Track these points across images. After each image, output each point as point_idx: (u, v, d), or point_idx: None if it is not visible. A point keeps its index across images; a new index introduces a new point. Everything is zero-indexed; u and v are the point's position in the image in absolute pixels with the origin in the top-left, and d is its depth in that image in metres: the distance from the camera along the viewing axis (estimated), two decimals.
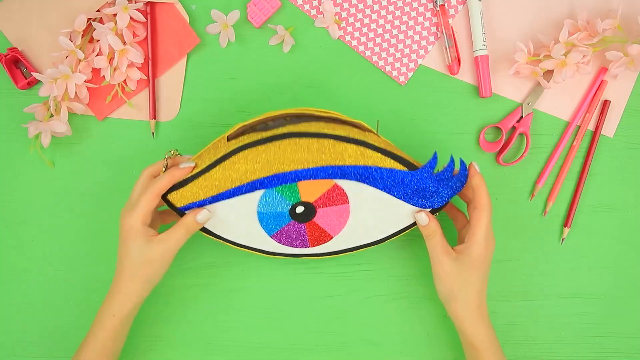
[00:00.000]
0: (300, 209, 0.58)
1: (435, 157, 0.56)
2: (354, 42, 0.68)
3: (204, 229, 0.60)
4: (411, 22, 0.68)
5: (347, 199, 0.58)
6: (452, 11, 0.68)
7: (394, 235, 0.61)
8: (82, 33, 0.65)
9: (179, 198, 0.57)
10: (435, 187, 0.57)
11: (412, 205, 0.58)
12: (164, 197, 0.57)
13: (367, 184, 0.57)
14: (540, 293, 0.68)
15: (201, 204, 0.57)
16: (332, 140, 0.55)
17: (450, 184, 0.57)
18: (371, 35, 0.68)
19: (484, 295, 0.59)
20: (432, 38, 0.68)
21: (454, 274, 0.58)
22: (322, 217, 0.59)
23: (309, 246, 0.61)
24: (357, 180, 0.56)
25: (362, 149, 0.55)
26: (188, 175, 0.57)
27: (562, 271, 0.68)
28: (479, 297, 0.59)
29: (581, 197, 0.68)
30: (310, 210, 0.59)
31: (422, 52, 0.68)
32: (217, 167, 0.56)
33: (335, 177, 0.56)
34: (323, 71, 0.68)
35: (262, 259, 0.67)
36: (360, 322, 0.67)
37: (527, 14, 0.68)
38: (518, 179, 0.68)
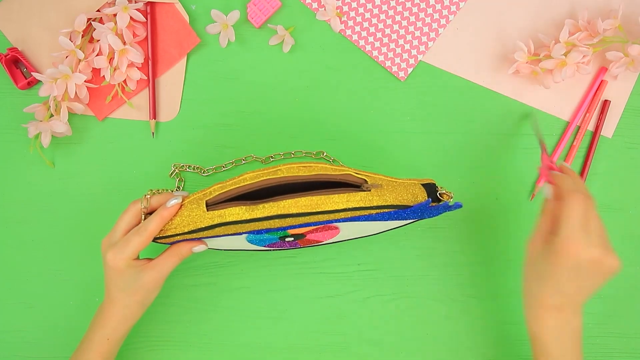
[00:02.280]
0: (289, 239, 0.59)
1: (428, 202, 0.54)
2: (355, 37, 0.68)
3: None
4: (412, 18, 0.68)
5: (338, 227, 0.58)
6: (453, 7, 0.68)
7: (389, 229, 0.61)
8: (82, 33, 0.65)
9: (168, 240, 0.56)
10: (427, 215, 0.56)
11: (404, 220, 0.57)
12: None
13: (359, 221, 0.56)
14: None
15: (187, 240, 0.57)
16: (320, 215, 0.53)
17: (442, 210, 0.56)
18: (372, 29, 0.68)
19: (564, 302, 0.52)
20: (432, 34, 0.68)
21: (534, 260, 0.52)
22: (312, 236, 0.59)
23: (300, 247, 0.62)
24: (348, 221, 0.56)
25: (351, 212, 0.53)
26: (176, 232, 0.55)
27: None
28: (551, 298, 0.51)
29: None
30: (300, 236, 0.59)
31: (422, 47, 0.68)
32: (198, 233, 0.55)
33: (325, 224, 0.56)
34: (323, 71, 0.68)
35: (262, 259, 0.67)
36: (360, 322, 0.67)
37: (527, 13, 0.68)
38: (518, 179, 0.68)
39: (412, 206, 0.53)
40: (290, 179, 0.54)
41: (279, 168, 0.54)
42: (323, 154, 0.68)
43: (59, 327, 0.67)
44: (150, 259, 0.57)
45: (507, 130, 0.68)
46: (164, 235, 0.55)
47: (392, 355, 0.67)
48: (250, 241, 0.58)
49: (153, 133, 0.68)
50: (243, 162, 0.68)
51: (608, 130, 0.68)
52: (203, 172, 0.67)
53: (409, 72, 0.68)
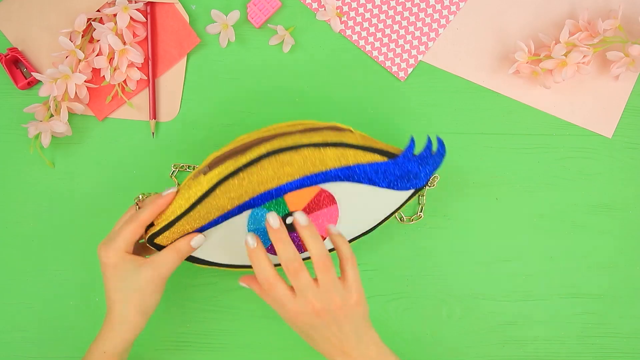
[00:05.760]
0: (289, 220, 0.58)
1: (412, 141, 0.57)
2: (355, 37, 0.68)
3: (194, 259, 0.59)
4: (412, 18, 0.68)
5: (334, 199, 0.58)
6: (453, 7, 0.68)
7: (384, 221, 0.62)
8: (82, 33, 0.65)
9: (166, 240, 0.56)
10: (417, 168, 0.58)
11: (397, 190, 0.59)
12: (151, 242, 0.55)
13: (352, 181, 0.57)
14: (540, 293, 0.68)
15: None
16: (311, 148, 0.54)
17: (431, 161, 0.59)
18: (372, 29, 0.68)
19: None
20: (432, 34, 0.68)
21: None
22: (312, 222, 0.59)
23: (303, 251, 0.61)
24: (342, 180, 0.56)
25: (341, 150, 0.55)
26: (172, 217, 0.54)
27: (562, 271, 0.68)
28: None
29: (581, 197, 0.68)
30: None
31: (422, 47, 0.68)
32: (200, 205, 0.54)
33: (319, 183, 0.56)
34: (323, 70, 0.68)
35: None
36: None
37: (527, 14, 0.68)
38: (518, 179, 0.68)
39: (399, 156, 0.57)
40: (280, 131, 0.56)
41: (272, 127, 0.57)
42: None
43: (59, 327, 0.67)
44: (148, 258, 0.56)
45: (507, 130, 0.68)
46: (161, 226, 0.54)
47: None
48: (253, 230, 0.58)
49: (153, 133, 0.68)
50: None
51: (608, 130, 0.68)
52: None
53: (409, 72, 0.68)
